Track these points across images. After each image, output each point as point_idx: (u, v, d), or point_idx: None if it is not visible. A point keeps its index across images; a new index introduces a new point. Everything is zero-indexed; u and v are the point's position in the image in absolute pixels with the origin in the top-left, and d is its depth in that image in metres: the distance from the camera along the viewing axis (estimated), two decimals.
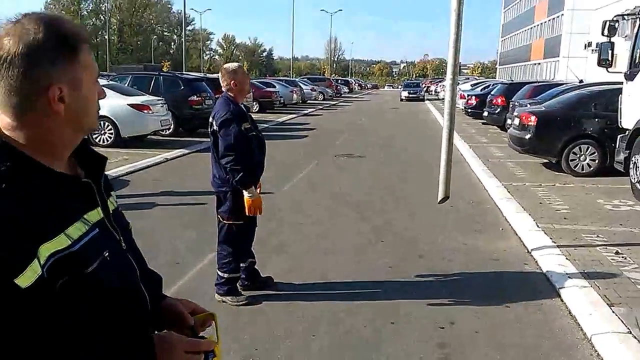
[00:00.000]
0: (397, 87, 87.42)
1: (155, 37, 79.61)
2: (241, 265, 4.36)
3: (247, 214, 4.07)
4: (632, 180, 7.89)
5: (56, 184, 1.07)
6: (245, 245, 4.38)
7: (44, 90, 1.04)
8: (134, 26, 71.20)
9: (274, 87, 27.25)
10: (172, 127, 14.13)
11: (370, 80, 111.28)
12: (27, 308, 0.94)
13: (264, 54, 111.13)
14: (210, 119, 4.07)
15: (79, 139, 1.16)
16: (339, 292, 4.70)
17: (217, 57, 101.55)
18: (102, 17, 66.76)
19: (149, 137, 13.61)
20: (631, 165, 7.93)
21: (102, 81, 14.77)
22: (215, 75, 21.85)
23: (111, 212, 1.20)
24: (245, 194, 4.01)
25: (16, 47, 1.01)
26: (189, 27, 77.48)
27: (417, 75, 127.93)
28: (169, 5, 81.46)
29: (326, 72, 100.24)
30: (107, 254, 1.10)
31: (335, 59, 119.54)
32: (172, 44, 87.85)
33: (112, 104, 11.82)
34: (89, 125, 1.15)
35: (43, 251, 0.98)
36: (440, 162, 5.66)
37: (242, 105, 4.15)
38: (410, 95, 42.03)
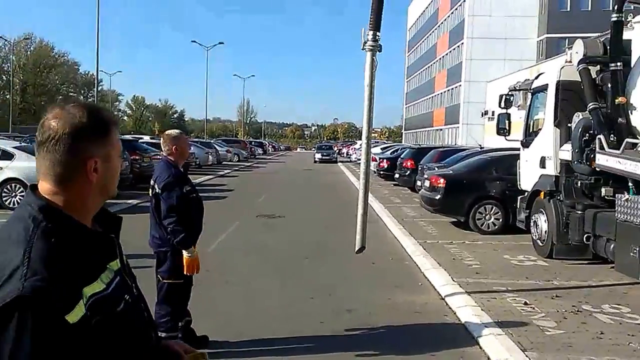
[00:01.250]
0: (310, 149, 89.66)
1: (60, 97, 77.39)
2: (179, 324, 4.35)
3: (185, 272, 4.13)
4: (533, 237, 8.69)
5: (90, 239, 1.28)
6: (183, 304, 4.39)
7: (83, 162, 1.27)
8: (37, 86, 68.58)
9: (190, 148, 27.10)
10: None
11: (282, 142, 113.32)
12: (73, 340, 1.12)
13: (175, 115, 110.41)
14: (152, 182, 4.18)
15: (103, 202, 1.37)
16: (274, 348, 4.78)
17: (125, 118, 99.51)
18: (4, 77, 64.04)
19: None
20: (531, 224, 8.75)
21: (14, 143, 14.12)
22: (125, 137, 21.60)
23: (125, 263, 1.40)
24: (185, 253, 4.09)
25: (64, 129, 1.25)
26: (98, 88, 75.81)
27: (328, 137, 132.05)
28: (76, 66, 79.64)
29: (239, 133, 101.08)
30: (127, 297, 1.31)
31: (248, 121, 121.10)
32: None
33: (24, 166, 11.29)
34: (112, 192, 1.38)
35: (86, 293, 1.18)
36: (357, 216, 6.06)
37: (181, 169, 4.30)
38: (324, 157, 43.43)
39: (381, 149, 31.50)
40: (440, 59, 57.11)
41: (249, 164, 39.06)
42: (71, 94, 79.59)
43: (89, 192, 1.30)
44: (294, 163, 43.69)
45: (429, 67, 62.74)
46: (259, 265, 7.89)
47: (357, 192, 18.49)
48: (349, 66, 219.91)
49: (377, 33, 5.81)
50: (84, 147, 1.27)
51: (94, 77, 43.02)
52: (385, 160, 23.43)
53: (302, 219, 12.57)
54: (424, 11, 64.31)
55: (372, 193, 17.22)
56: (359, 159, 38.29)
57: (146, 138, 31.91)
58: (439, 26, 57.74)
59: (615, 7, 6.95)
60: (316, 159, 43.52)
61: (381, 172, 23.49)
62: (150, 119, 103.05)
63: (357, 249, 6.02)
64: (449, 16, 53.09)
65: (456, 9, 49.74)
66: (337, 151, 50.27)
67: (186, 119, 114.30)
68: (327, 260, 8.44)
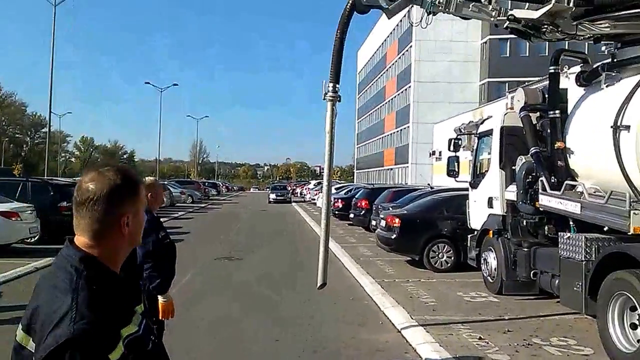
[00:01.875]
0: (264, 189, 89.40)
1: (6, 139, 74.82)
2: None
3: (161, 317, 4.19)
4: (484, 274, 9.11)
5: (122, 285, 1.48)
6: None
7: (118, 220, 1.47)
8: None
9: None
10: (39, 234, 13.29)
11: (235, 182, 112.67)
12: None
13: (125, 156, 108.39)
14: None
15: (130, 251, 1.57)
16: None
17: (73, 159, 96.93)
18: None
19: (13, 245, 12.66)
20: (482, 261, 9.18)
21: None
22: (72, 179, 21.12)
23: (147, 307, 1.60)
24: (161, 298, 4.16)
25: (102, 190, 1.45)
26: (44, 129, 73.87)
27: (281, 177, 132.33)
28: (23, 107, 77.57)
29: (192, 174, 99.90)
30: (153, 338, 1.51)
31: (200, 162, 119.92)
32: (25, 146, 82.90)
33: None
34: (139, 241, 1.58)
35: (123, 334, 1.36)
36: (319, 253, 6.33)
37: (155, 214, 4.41)
38: (278, 198, 43.54)
39: (335, 189, 31.84)
40: (389, 101, 59.06)
41: (204, 205, 38.68)
42: (17, 135, 77.07)
43: (121, 244, 1.50)
44: (248, 204, 43.54)
45: (378, 108, 64.64)
46: (222, 308, 7.93)
47: (314, 232, 18.63)
48: (301, 107, 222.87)
49: (337, 85, 6.22)
50: (119, 207, 1.47)
51: (41, 118, 41.94)
52: (339, 200, 23.78)
53: (260, 260, 12.64)
54: (373, 55, 66.64)
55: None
56: (314, 199, 38.33)
57: None
58: (387, 70, 59.93)
59: (553, 60, 7.63)
60: (270, 200, 43.53)
61: (336, 212, 23.73)
62: (99, 159, 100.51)
63: (318, 285, 6.26)
64: (396, 61, 55.28)
65: (403, 54, 51.87)
66: (291, 191, 50.48)
67: (136, 160, 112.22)
68: (290, 301, 8.55)
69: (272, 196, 44.22)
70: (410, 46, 48.68)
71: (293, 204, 41.11)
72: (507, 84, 38.34)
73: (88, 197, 1.44)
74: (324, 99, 6.19)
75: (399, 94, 54.44)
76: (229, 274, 10.88)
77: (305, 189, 48.69)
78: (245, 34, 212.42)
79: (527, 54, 40.65)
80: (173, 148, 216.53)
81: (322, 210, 6.66)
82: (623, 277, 5.36)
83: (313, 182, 55.28)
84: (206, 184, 54.86)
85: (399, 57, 53.65)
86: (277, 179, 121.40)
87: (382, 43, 59.87)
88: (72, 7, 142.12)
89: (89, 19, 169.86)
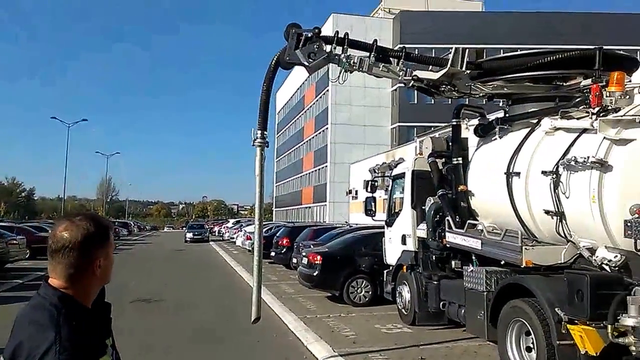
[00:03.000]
0: (179, 228, 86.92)
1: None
2: None
3: None
4: (399, 307, 9.76)
5: (96, 319, 1.72)
6: None
7: (91, 263, 1.69)
8: None
9: (48, 231, 25.44)
10: None
11: (148, 222, 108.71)
12: None
13: (23, 194, 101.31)
14: None
15: (100, 288, 1.80)
16: None
17: None
18: None
19: None
20: (397, 295, 9.85)
21: None
22: None
23: (114, 340, 1.87)
24: None
25: (77, 238, 1.65)
26: None
27: (197, 215, 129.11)
28: None
29: (99, 213, 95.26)
30: None
31: (109, 200, 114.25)
32: None
33: None
34: (108, 280, 1.81)
35: None
36: (253, 289, 6.74)
37: None
38: (195, 237, 42.47)
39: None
40: (307, 141, 60.40)
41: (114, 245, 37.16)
42: None
43: (94, 283, 1.72)
44: (163, 243, 42.35)
45: (297, 148, 65.81)
46: (145, 355, 7.92)
47: (234, 271, 18.63)
48: (218, 145, 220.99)
49: (265, 132, 6.75)
50: (93, 252, 1.68)
51: None
52: None
53: (181, 302, 12.56)
54: (292, 97, 68.21)
55: (249, 272, 17.61)
56: (233, 238, 37.85)
57: None
58: (305, 112, 61.53)
59: (455, 113, 8.59)
60: (187, 239, 42.41)
61: None
62: None
63: (253, 319, 6.60)
64: (314, 103, 57.00)
65: (320, 97, 53.67)
66: (208, 230, 49.65)
67: (35, 198, 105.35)
68: (214, 342, 8.69)
69: (189, 235, 43.08)
70: (327, 90, 50.52)
71: (211, 243, 40.52)
72: (415, 129, 40.85)
73: (63, 245, 1.64)
74: (253, 144, 6.69)
75: (317, 135, 55.95)
76: (147, 317, 10.79)
77: (224, 227, 48.14)
78: (164, 72, 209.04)
79: (432, 102, 43.15)
80: (80, 185, 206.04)
81: (255, 248, 7.22)
82: (518, 305, 6.13)
83: (232, 220, 54.80)
84: (116, 223, 52.76)
85: (317, 100, 55.42)
86: (193, 217, 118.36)
87: (300, 86, 61.61)
88: None
89: None
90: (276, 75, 6.97)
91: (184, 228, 57.01)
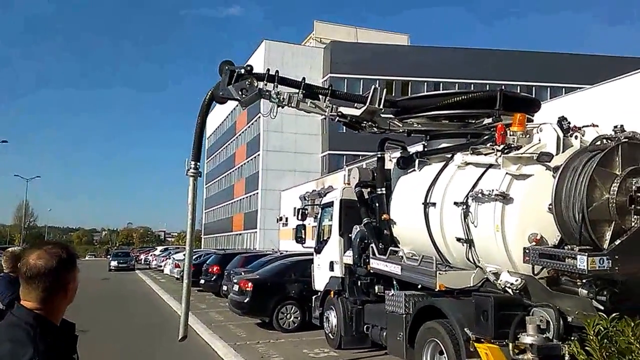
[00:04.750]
0: (102, 256, 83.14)
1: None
2: None
3: None
4: (326, 331, 10.08)
5: (66, 338, 1.99)
6: None
7: (63, 287, 1.97)
8: None
9: None
10: None
11: None
12: None
13: None
14: None
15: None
16: None
17: None
18: None
19: None
20: (324, 320, 10.17)
21: None
22: None
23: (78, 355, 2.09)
24: None
25: (51, 264, 1.91)
26: None
27: (122, 243, 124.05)
28: None
29: (15, 240, 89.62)
30: None
31: (26, 226, 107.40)
32: None
33: None
34: (72, 301, 2.07)
35: None
36: (181, 308, 7.06)
37: None
38: (120, 265, 40.88)
39: (184, 254, 31.17)
40: (238, 167, 60.23)
41: None
42: None
43: (64, 304, 1.98)
44: (85, 272, 39.88)
45: (228, 174, 65.37)
46: None
47: (161, 301, 18.24)
48: (144, 171, 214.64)
49: (198, 163, 6.99)
50: (65, 276, 1.94)
51: None
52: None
53: (106, 333, 12.16)
54: (223, 122, 67.90)
55: (178, 300, 17.37)
56: (160, 266, 36.68)
57: None
58: (237, 138, 61.45)
59: (379, 146, 9.15)
60: (111, 267, 40.60)
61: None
62: None
63: (179, 337, 6.72)
64: (245, 129, 57.12)
65: (252, 123, 53.92)
66: (134, 258, 47.99)
67: None
68: None
69: (113, 263, 41.32)
70: (259, 117, 50.93)
71: (137, 271, 39.20)
72: (345, 157, 41.97)
73: (38, 272, 1.87)
74: (187, 174, 6.89)
75: (248, 161, 55.95)
76: None
77: (151, 255, 46.68)
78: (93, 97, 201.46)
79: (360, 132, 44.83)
80: None
81: (185, 270, 7.56)
82: (432, 326, 6.61)
83: (160, 248, 53.24)
84: None
85: (249, 126, 55.58)
86: (118, 245, 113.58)
87: (232, 111, 61.60)
88: None
89: None
90: (210, 109, 7.26)
91: (108, 256, 54.71)
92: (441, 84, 46.28)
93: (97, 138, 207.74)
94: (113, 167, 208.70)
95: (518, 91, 46.11)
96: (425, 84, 47.24)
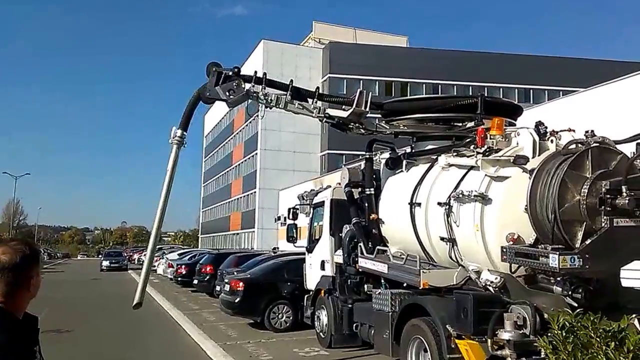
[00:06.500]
0: (94, 256, 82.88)
1: None
2: None
3: None
4: (317, 330, 10.18)
5: (28, 331, 2.08)
6: None
7: (27, 282, 2.08)
8: None
9: None
10: None
11: (60, 248, 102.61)
12: None
13: None
14: None
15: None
16: None
17: None
18: None
19: None
20: (315, 319, 10.27)
21: None
22: None
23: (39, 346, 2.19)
24: None
25: (15, 259, 2.00)
26: None
27: (116, 242, 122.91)
28: None
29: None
30: None
31: (16, 224, 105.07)
32: None
33: None
34: (35, 295, 2.17)
35: None
36: (141, 275, 7.20)
37: None
38: (112, 265, 40.59)
39: (178, 254, 30.94)
40: (236, 166, 60.33)
41: None
42: None
43: (27, 298, 2.08)
44: (76, 272, 40.31)
45: (225, 173, 65.46)
46: None
47: (155, 302, 18.16)
48: (138, 169, 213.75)
49: (184, 132, 7.12)
50: (28, 271, 2.03)
51: None
52: (183, 267, 23.30)
53: (93, 334, 12.14)
54: (220, 121, 68.00)
55: (170, 301, 17.53)
56: (153, 266, 36.51)
57: None
58: (234, 136, 61.54)
59: (367, 147, 9.26)
60: (103, 267, 40.30)
61: (179, 279, 23.24)
62: None
63: (134, 303, 6.76)
64: (243, 128, 57.21)
65: (250, 122, 54.00)
66: (127, 258, 47.69)
67: None
68: None
69: (105, 263, 40.97)
70: (257, 115, 51.00)
71: (130, 271, 39.05)
72: (344, 156, 42.03)
73: (2, 267, 1.96)
74: (170, 142, 7.03)
75: (246, 160, 56.06)
76: (56, 349, 10.47)
77: (144, 255, 46.41)
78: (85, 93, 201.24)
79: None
80: None
81: (151, 239, 7.72)
82: (417, 324, 6.73)
83: None
84: None
85: (246, 125, 55.66)
86: (111, 244, 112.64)
87: (230, 110, 61.67)
88: None
89: None
90: (196, 108, 7.38)
91: (100, 256, 54.41)
92: (439, 86, 46.51)
93: (91, 135, 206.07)
94: (110, 166, 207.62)
95: (516, 94, 47.40)
96: (424, 85, 47.46)
